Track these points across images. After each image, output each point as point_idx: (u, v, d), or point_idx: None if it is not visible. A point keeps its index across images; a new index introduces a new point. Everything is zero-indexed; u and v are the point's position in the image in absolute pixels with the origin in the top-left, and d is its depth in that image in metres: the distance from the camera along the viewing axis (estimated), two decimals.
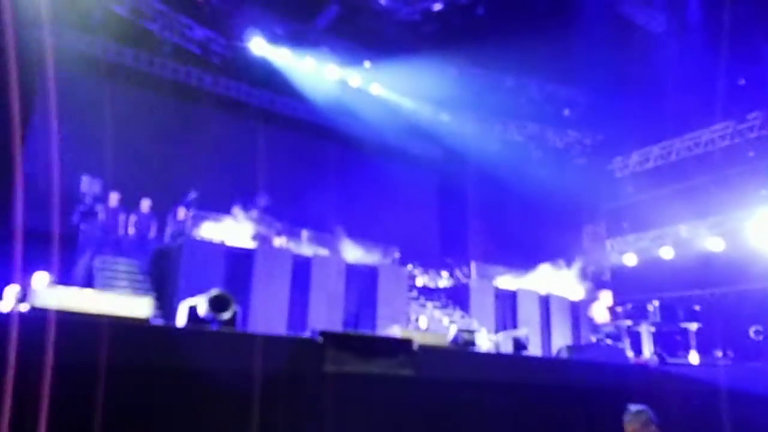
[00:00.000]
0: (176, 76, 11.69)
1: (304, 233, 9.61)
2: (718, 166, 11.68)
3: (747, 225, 10.37)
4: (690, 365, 7.61)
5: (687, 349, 9.06)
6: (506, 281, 11.57)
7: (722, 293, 10.20)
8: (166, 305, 7.27)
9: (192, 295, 4.93)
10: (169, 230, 8.80)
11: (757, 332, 8.42)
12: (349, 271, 9.13)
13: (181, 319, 4.38)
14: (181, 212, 8.86)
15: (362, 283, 9.28)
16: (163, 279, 7.97)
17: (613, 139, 13.97)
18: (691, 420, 4.98)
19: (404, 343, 4.17)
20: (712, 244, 11.22)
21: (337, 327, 8.23)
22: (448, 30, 11.65)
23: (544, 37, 10.71)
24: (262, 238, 8.78)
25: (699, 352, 8.93)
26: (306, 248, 9.26)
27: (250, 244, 8.52)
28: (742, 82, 11.14)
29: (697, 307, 9.41)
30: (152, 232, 8.88)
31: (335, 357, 3.31)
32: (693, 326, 9.05)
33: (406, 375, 3.75)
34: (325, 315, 8.26)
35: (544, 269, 11.89)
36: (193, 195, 8.53)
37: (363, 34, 11.85)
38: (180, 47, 11.50)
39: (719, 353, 9.19)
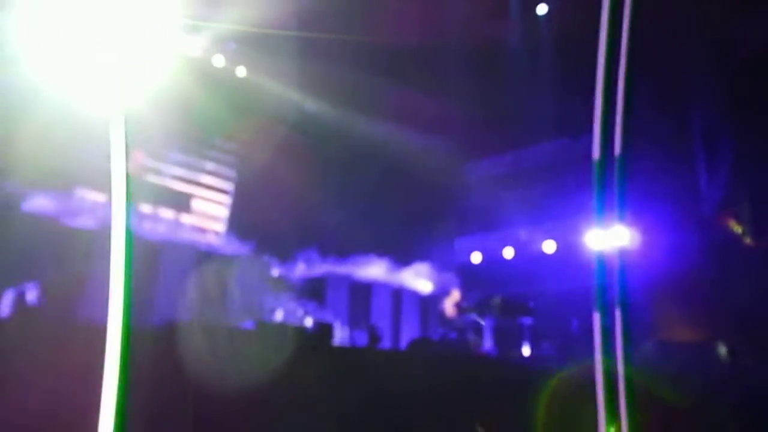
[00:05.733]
0: None
1: None
2: (556, 177, 12.88)
3: (578, 230, 11.55)
4: (522, 356, 8.38)
5: (522, 341, 9.94)
6: (363, 273, 11.84)
7: (552, 290, 11.26)
8: None
9: None
10: None
11: (576, 326, 9.48)
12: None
13: None
14: None
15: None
16: None
17: (467, 144, 14.82)
18: (518, 408, 5.40)
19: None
20: (547, 246, 12.41)
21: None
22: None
23: (408, 48, 11.08)
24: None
25: (532, 344, 9.84)
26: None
27: None
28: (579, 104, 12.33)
29: (531, 304, 10.33)
30: None
31: None
32: (527, 320, 9.97)
33: None
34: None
35: (399, 263, 12.34)
36: None
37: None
38: None
39: (546, 345, 10.17)
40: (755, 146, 11.66)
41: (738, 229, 12.31)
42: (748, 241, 12.50)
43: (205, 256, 8.83)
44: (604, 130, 1.68)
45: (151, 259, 7.99)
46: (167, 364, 3.33)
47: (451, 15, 13.16)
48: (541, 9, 14.02)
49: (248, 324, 6.27)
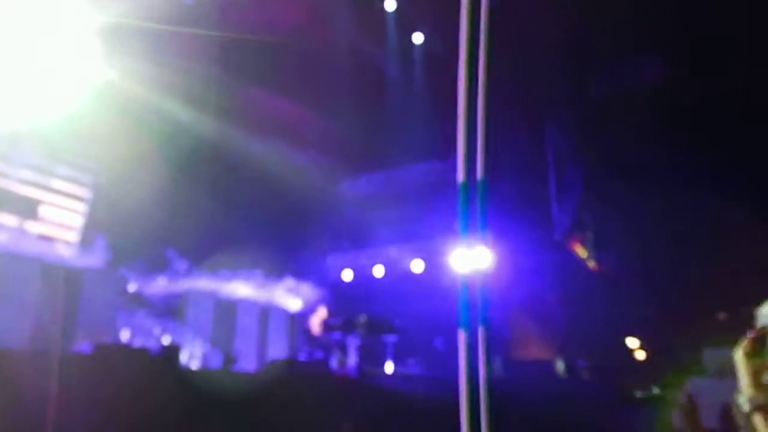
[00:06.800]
0: None
1: None
2: (427, 198, 13.40)
3: (444, 250, 12.05)
4: (385, 375, 8.53)
5: (385, 359, 10.14)
6: (229, 289, 11.43)
7: (418, 308, 11.62)
8: None
9: None
10: None
11: (440, 343, 9.86)
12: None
13: None
14: None
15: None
16: None
17: (344, 162, 14.98)
18: (381, 420, 5.47)
19: None
20: (415, 265, 12.82)
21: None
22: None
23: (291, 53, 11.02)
24: None
25: (395, 362, 10.06)
26: None
27: None
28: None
29: (397, 322, 10.58)
30: None
31: None
32: (392, 338, 10.19)
33: None
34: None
35: (267, 279, 12.08)
36: None
37: None
38: None
39: (411, 363, 10.45)
40: (600, 178, 12.97)
41: (583, 253, 13.55)
42: (591, 265, 13.79)
43: (51, 269, 8.01)
44: (468, 155, 1.77)
45: None
46: None
47: (333, 33, 13.33)
48: (417, 37, 14.66)
49: (85, 347, 5.77)
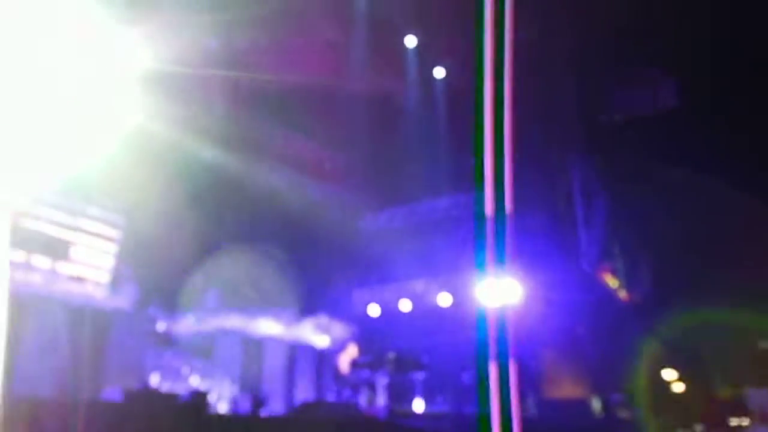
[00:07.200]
0: None
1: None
2: (451, 231, 13.31)
3: (472, 283, 11.90)
4: (414, 414, 8.35)
5: (414, 397, 9.94)
6: (256, 327, 11.40)
7: (446, 343, 11.42)
8: None
9: None
10: None
11: (469, 379, 9.65)
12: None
13: None
14: None
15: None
16: None
17: (366, 196, 15.02)
18: None
19: None
20: (442, 299, 12.67)
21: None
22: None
23: (312, 93, 11.20)
24: None
25: (425, 399, 9.85)
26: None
27: None
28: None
29: (424, 358, 10.40)
30: None
31: None
32: (420, 375, 10.01)
33: None
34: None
35: (294, 317, 12.03)
36: None
37: None
38: None
39: (440, 400, 10.23)
40: (627, 206, 12.76)
41: (614, 284, 13.23)
42: (623, 295, 13.46)
43: (79, 311, 8.07)
44: (494, 188, 1.74)
45: (16, 316, 7.20)
46: None
47: (352, 70, 13.53)
48: (439, 72, 14.78)
49: (113, 393, 5.77)
